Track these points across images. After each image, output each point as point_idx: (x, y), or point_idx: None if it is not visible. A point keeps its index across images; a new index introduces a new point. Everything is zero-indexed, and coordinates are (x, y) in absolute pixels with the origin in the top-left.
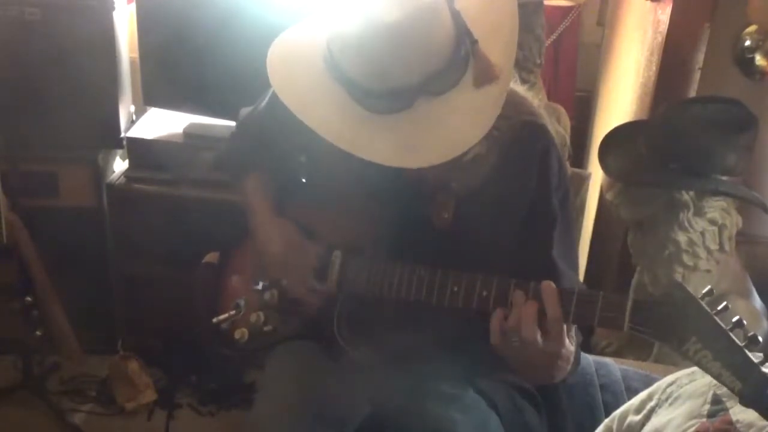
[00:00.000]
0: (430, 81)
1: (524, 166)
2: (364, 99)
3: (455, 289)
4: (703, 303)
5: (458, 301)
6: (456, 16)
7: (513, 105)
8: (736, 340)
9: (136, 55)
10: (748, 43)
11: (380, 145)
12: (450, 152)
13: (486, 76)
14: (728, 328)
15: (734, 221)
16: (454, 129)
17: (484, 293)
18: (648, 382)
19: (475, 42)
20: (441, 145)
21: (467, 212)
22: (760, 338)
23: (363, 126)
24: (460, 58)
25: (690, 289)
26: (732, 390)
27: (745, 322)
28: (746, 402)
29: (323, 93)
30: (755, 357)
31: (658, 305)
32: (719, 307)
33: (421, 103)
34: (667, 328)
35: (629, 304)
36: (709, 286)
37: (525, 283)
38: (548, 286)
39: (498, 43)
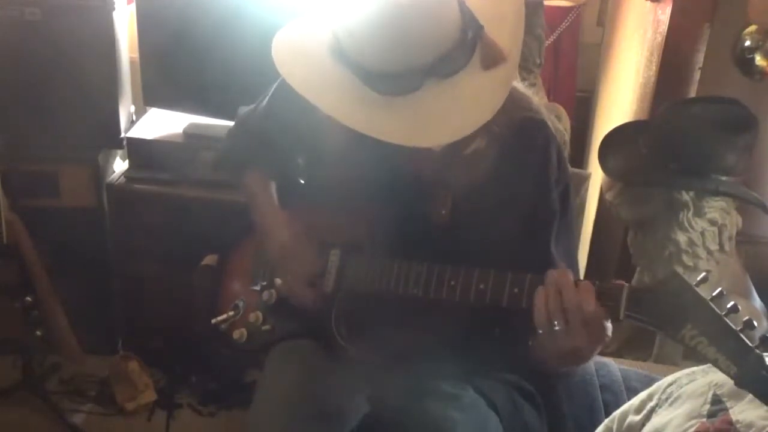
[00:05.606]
0: (439, 63)
1: (524, 161)
2: (373, 81)
3: (452, 283)
4: (698, 289)
5: (456, 295)
6: (461, 2)
7: (513, 101)
8: (731, 325)
9: (136, 55)
10: (748, 43)
11: (392, 125)
12: (459, 132)
13: (493, 58)
14: (723, 313)
15: (734, 221)
16: (463, 109)
17: (481, 286)
18: (648, 382)
19: (481, 27)
20: (451, 125)
21: (465, 208)
22: (755, 323)
23: (374, 107)
24: (467, 41)
25: None
26: (728, 374)
27: (740, 308)
28: (742, 385)
29: (332, 78)
30: (751, 340)
31: (653, 293)
32: (714, 293)
33: (431, 84)
34: (663, 316)
35: (625, 292)
36: (704, 273)
37: (522, 276)
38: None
39: (504, 29)
